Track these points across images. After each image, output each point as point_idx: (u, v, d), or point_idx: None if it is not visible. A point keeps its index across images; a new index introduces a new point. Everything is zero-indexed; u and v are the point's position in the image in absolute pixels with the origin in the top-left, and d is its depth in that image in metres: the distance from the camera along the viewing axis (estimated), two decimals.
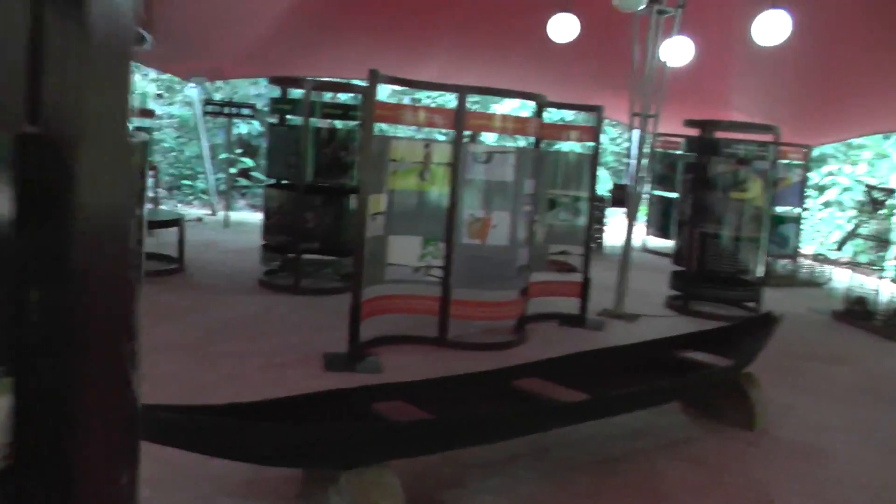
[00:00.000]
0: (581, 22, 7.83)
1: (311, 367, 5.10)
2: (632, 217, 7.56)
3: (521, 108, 13.67)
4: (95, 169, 0.76)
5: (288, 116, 7.59)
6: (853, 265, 8.45)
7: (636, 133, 7.66)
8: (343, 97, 10.73)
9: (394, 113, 5.84)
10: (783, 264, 10.28)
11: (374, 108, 5.22)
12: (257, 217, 9.55)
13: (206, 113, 11.57)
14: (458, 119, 5.59)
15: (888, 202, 8.03)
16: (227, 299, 6.82)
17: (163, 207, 13.23)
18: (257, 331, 5.91)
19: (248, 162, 13.99)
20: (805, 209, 11.62)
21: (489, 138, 10.96)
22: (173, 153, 14.90)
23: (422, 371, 5.17)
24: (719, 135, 7.87)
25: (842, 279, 9.41)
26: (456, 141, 5.62)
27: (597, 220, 10.38)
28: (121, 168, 0.81)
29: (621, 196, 9.65)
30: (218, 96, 15.05)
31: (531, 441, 3.90)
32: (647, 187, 10.75)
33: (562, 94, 6.98)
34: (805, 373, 5.91)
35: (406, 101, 14.63)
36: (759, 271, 7.73)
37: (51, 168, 0.74)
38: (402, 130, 12.72)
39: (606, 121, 11.12)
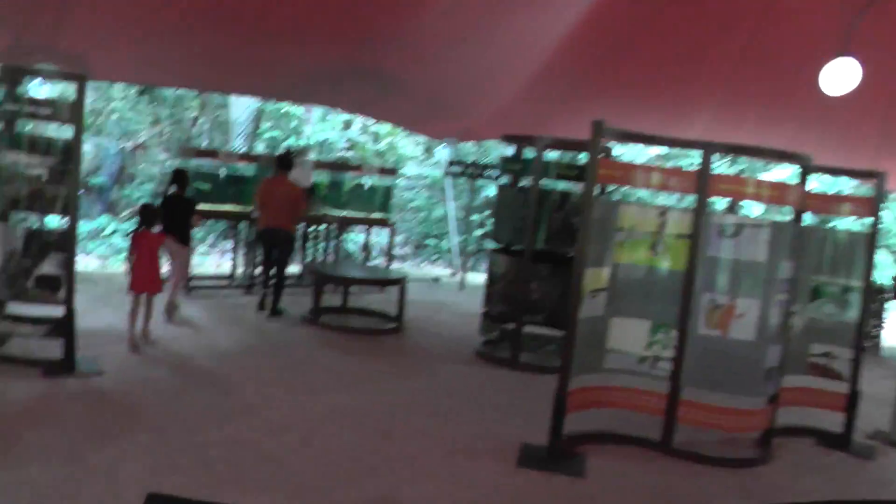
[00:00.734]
0: (864, 69, 6.46)
1: (504, 460, 4.44)
2: None
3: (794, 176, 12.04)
4: None
5: (520, 177, 7.13)
6: None
7: None
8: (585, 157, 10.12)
9: (622, 173, 4.93)
10: None
11: (598, 166, 4.54)
12: None
13: (449, 173, 11.57)
14: (701, 182, 4.72)
15: None
16: (436, 368, 6.42)
17: (403, 265, 13.50)
18: (458, 407, 5.39)
19: None
20: None
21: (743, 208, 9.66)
22: (423, 212, 15.24)
23: (637, 481, 4.30)
24: None
25: None
26: (697, 209, 4.74)
27: (873, 316, 8.76)
28: None
29: None
30: (471, 158, 15.28)
31: None
32: None
33: (845, 159, 5.70)
34: None
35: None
36: None
37: None
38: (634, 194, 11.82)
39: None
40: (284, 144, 12.46)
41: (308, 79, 8.74)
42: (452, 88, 9.16)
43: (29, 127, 5.18)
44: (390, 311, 8.01)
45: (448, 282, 11.68)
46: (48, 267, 5.11)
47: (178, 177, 7.37)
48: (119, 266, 10.41)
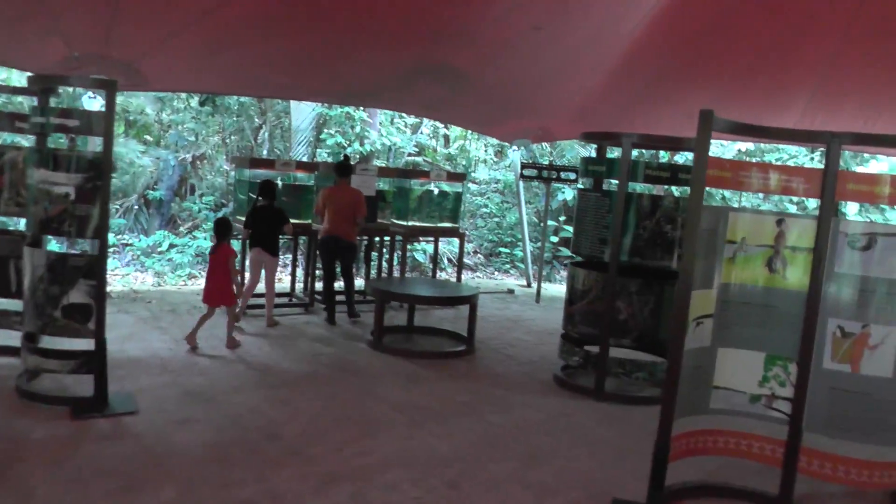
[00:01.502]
0: None
1: None
2: None
3: None
4: None
5: (604, 180, 6.30)
6: None
7: None
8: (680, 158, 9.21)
9: (734, 174, 4.01)
10: None
11: (705, 165, 3.71)
12: None
13: (523, 177, 10.78)
14: (827, 182, 3.83)
15: None
16: (511, 398, 5.66)
17: (474, 276, 12.76)
18: (537, 448, 4.62)
19: (571, 230, 13.00)
20: None
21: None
22: (495, 219, 14.48)
23: None
24: None
25: None
26: (821, 215, 3.85)
27: None
28: None
29: None
30: (545, 160, 14.44)
31: None
32: None
33: None
34: None
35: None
36: None
37: None
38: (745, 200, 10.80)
39: None
40: (346, 151, 11.90)
41: (374, 80, 8.19)
42: (525, 85, 8.43)
43: (61, 140, 4.71)
44: (460, 328, 7.31)
45: (523, 293, 10.90)
46: (77, 295, 4.59)
47: (267, 187, 7.29)
48: (175, 283, 10.04)
